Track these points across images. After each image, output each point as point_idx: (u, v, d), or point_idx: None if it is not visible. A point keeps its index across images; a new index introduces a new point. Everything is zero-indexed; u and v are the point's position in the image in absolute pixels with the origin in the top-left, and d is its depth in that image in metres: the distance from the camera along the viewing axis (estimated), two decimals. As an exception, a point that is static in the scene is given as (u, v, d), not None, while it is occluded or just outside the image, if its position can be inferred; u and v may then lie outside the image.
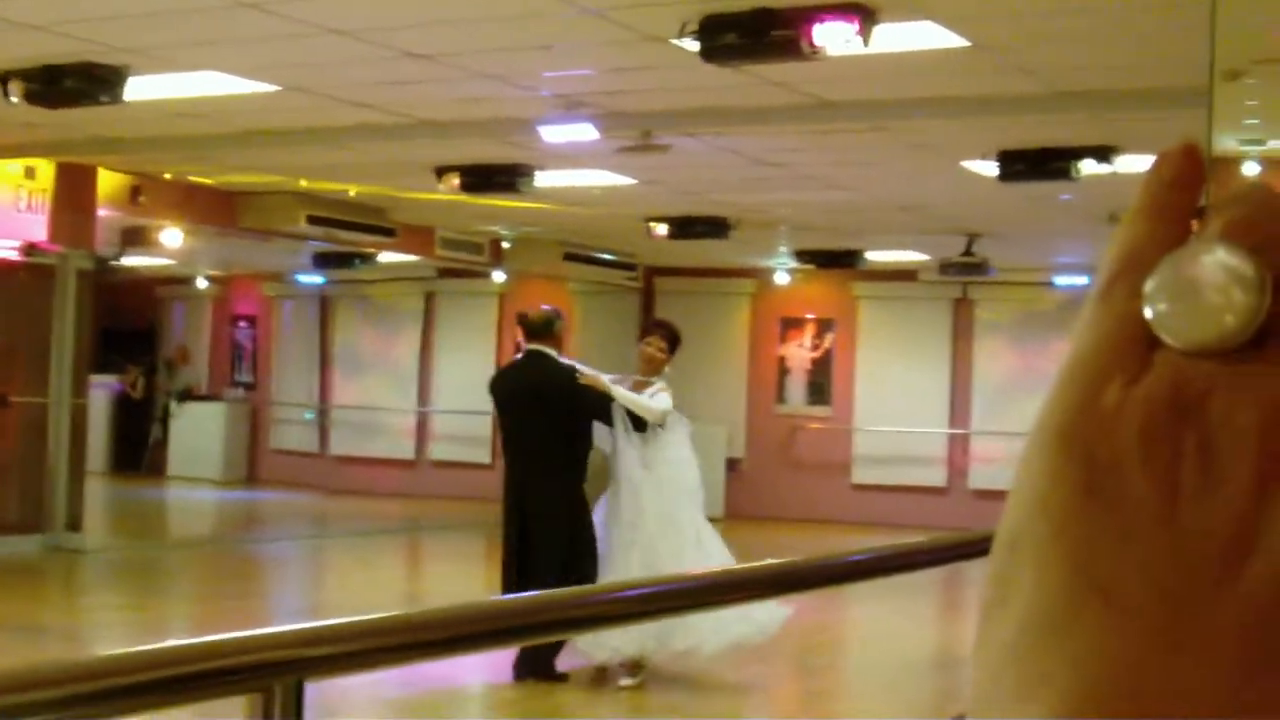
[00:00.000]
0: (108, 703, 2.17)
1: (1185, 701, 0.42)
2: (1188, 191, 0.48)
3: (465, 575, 16.83)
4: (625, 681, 10.34)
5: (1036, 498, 0.46)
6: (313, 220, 18.42)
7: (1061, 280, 23.20)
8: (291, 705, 2.21)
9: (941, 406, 23.77)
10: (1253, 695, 0.42)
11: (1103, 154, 13.18)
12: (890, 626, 12.97)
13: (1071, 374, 0.47)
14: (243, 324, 28.44)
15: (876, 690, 11.10)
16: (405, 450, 26.33)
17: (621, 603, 2.60)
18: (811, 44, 9.30)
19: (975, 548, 4.90)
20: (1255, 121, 9.81)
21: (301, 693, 2.22)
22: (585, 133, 13.15)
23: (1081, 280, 23.12)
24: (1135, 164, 13.66)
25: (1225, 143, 9.61)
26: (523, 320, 11.06)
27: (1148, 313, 0.46)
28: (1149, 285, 0.46)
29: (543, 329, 10.99)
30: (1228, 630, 0.42)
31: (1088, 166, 13.32)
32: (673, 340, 11.32)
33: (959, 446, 23.62)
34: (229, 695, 2.32)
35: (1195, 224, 0.48)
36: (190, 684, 2.24)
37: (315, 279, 26.44)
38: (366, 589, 15.26)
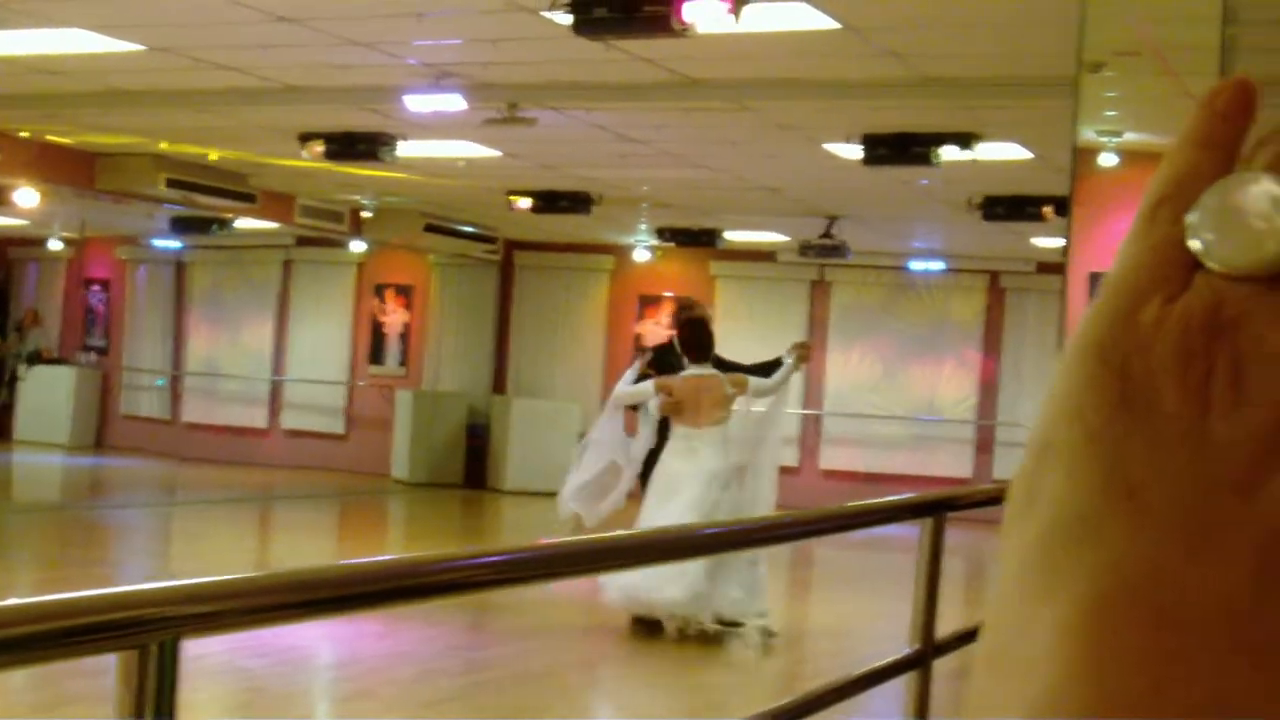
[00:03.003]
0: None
1: (1198, 609, 0.43)
2: (1237, 124, 0.50)
3: (315, 545, 16.73)
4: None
5: (1072, 405, 0.48)
6: (172, 184, 18.17)
7: (917, 265, 23.46)
8: (168, 664, 2.18)
9: (796, 385, 23.92)
10: (1259, 611, 0.43)
11: (964, 140, 13.33)
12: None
13: (1113, 290, 0.49)
14: (96, 287, 28.03)
15: (723, 666, 11.16)
16: (258, 419, 26.12)
17: (489, 568, 2.59)
18: (682, 20, 9.32)
19: (831, 524, 4.96)
20: (1114, 113, 9.95)
21: (178, 652, 2.19)
22: (452, 103, 13.10)
23: (937, 265, 23.40)
24: (995, 151, 13.83)
25: (1085, 134, 9.73)
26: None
27: (1191, 236, 0.47)
28: (1194, 210, 0.48)
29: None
30: (1245, 543, 0.44)
31: (949, 153, 13.46)
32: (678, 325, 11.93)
33: (811, 427, 23.79)
34: (100, 653, 2.27)
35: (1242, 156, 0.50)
36: (60, 641, 2.19)
37: (172, 243, 26.12)
38: (216, 556, 15.11)
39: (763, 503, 11.59)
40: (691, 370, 11.61)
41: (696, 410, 11.50)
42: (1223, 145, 0.49)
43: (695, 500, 11.09)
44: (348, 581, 2.20)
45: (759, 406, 12.17)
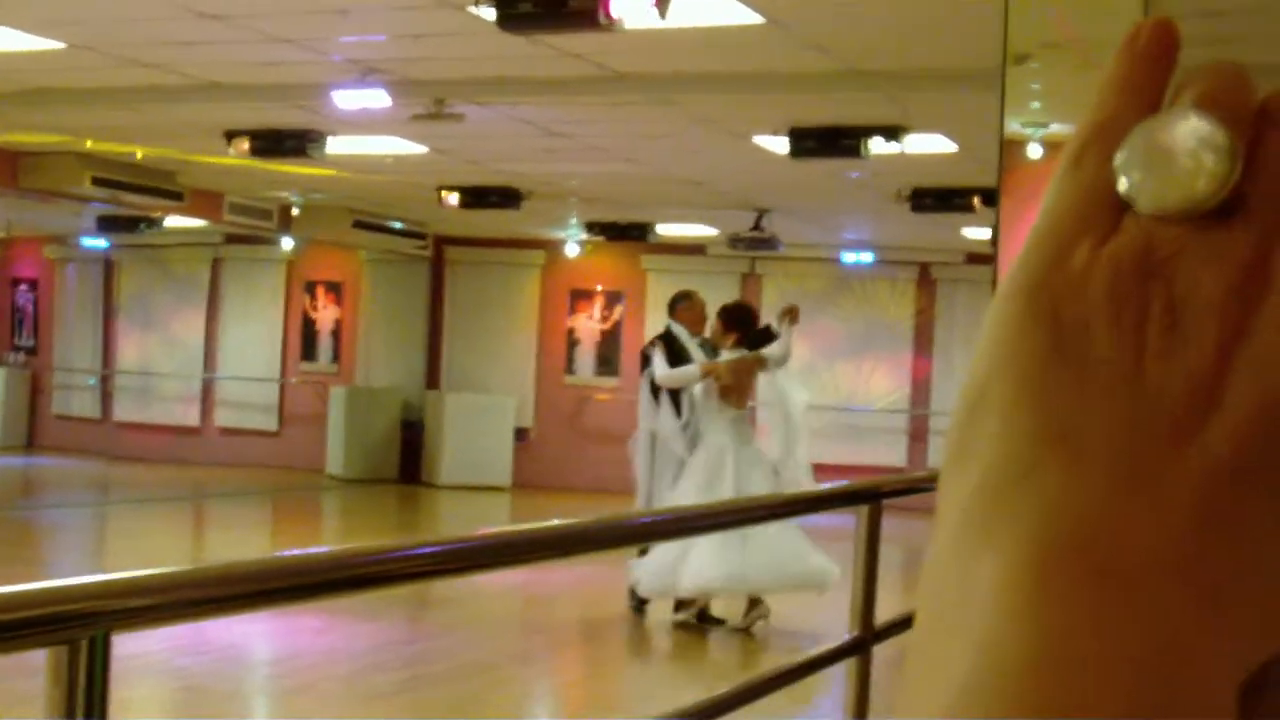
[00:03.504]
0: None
1: (1140, 558, 0.43)
2: (1159, 65, 0.49)
3: (250, 542, 16.67)
4: (680, 616, 11.70)
5: (1004, 353, 0.47)
6: (98, 182, 18.05)
7: (848, 257, 23.56)
8: (99, 660, 2.18)
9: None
10: (1202, 553, 0.43)
11: (892, 133, 13.39)
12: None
13: (1041, 235, 0.48)
14: (23, 287, 27.81)
15: (659, 658, 11.21)
16: (190, 417, 26.00)
17: (419, 559, 2.61)
18: (609, 15, 9.33)
19: (767, 512, 5.00)
20: (1038, 105, 10.03)
21: (108, 646, 2.20)
22: (378, 99, 13.07)
23: (867, 257, 23.50)
24: (923, 144, 13.91)
25: (1011, 126, 9.81)
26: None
27: (1119, 178, 0.47)
28: (1121, 151, 0.47)
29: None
30: (1183, 489, 0.44)
31: (877, 145, 13.52)
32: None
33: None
34: (29, 649, 2.26)
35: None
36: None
37: (99, 242, 25.94)
38: (149, 554, 15.03)
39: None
40: (729, 353, 11.94)
41: (741, 391, 12.02)
42: (1146, 88, 0.49)
43: (764, 479, 11.54)
44: (280, 574, 2.21)
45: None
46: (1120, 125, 0.48)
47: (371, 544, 2.41)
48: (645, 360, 12.17)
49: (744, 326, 12.07)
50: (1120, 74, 0.50)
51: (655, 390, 11.90)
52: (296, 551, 2.22)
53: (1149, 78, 0.49)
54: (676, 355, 11.96)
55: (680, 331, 12.14)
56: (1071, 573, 0.43)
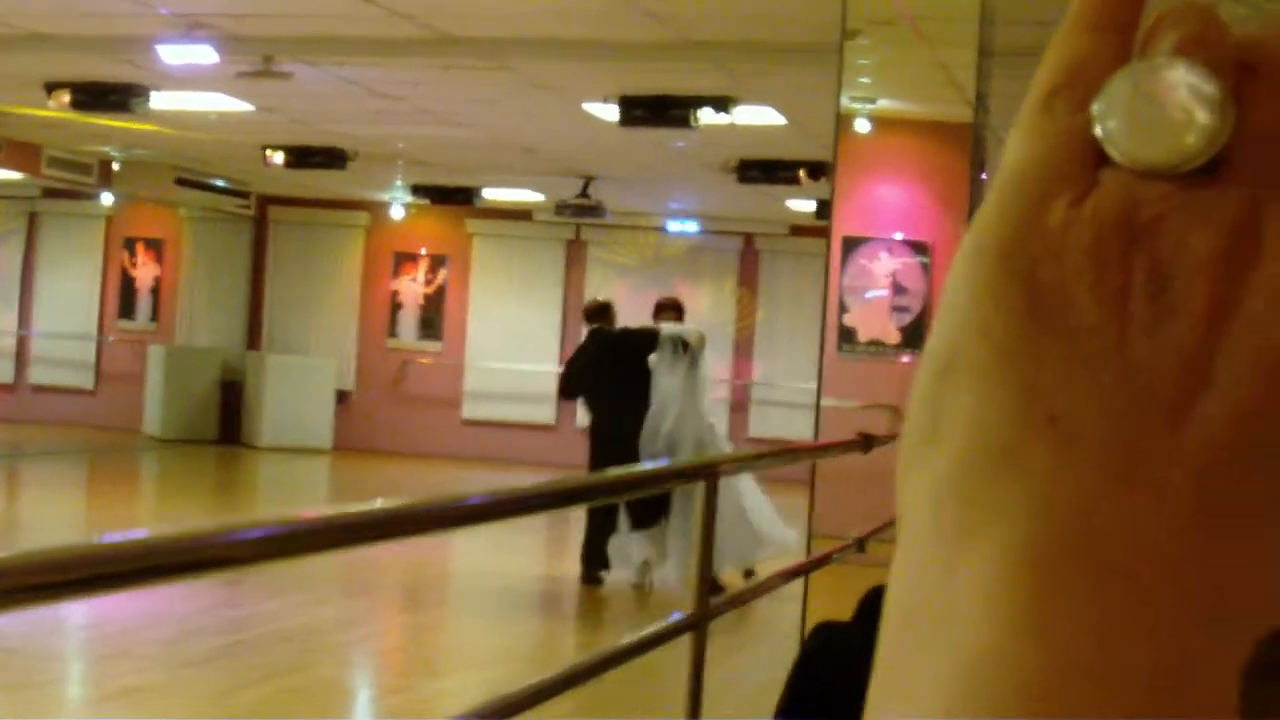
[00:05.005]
0: None
1: (1140, 555, 0.40)
2: (1133, 2, 0.45)
3: (64, 503, 16.40)
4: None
5: (977, 318, 0.43)
6: (-89, 132, 17.64)
7: (674, 226, 23.65)
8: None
9: (552, 345, 24.01)
10: (1205, 545, 0.40)
11: (722, 104, 13.44)
12: (497, 562, 13.08)
13: (1011, 189, 0.44)
14: None
15: (483, 625, 11.20)
16: (3, 374, 25.48)
17: (239, 546, 2.55)
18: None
19: (605, 490, 4.98)
20: (868, 80, 10.13)
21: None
22: (205, 55, 12.88)
23: (692, 227, 23.61)
24: (751, 115, 13.98)
25: (841, 100, 9.89)
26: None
27: (1097, 129, 0.43)
28: (1100, 100, 0.43)
29: (598, 314, 13.20)
30: (1181, 478, 0.40)
31: (706, 115, 13.57)
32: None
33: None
34: None
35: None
36: None
37: (-91, 195, 25.32)
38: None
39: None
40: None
41: None
42: (1119, 27, 0.45)
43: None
44: (85, 563, 2.13)
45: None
46: (1095, 68, 0.44)
47: (189, 530, 2.34)
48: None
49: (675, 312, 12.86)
50: (1089, 12, 0.45)
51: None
52: (109, 538, 2.14)
53: (1122, 13, 0.45)
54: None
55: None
56: (1070, 575, 0.40)
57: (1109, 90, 0.43)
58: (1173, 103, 0.42)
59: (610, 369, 12.59)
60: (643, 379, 12.36)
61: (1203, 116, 0.42)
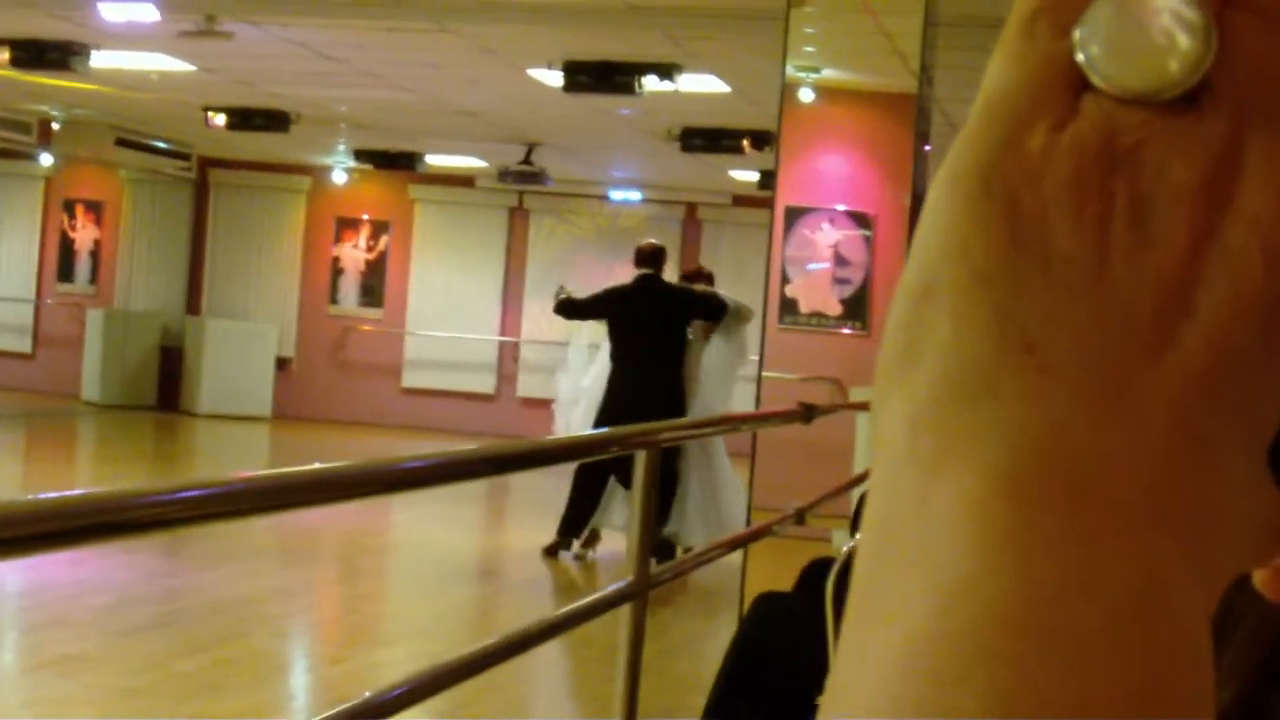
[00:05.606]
0: None
1: (1116, 481, 0.40)
2: None
3: (3, 468, 16.29)
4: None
5: (955, 242, 0.43)
6: None
7: (616, 194, 23.61)
8: None
9: (494, 314, 23.96)
10: (1181, 475, 0.40)
11: (666, 71, 13.40)
12: (436, 532, 13.05)
13: (991, 113, 0.43)
14: None
15: (422, 595, 11.17)
16: (-62, 337, 25.28)
17: (178, 504, 2.51)
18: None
19: (540, 457, 4.95)
20: (812, 49, 10.12)
21: None
22: (146, 13, 12.75)
23: (634, 195, 23.58)
24: (696, 84, 13.95)
25: (786, 69, 9.88)
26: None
27: (1079, 54, 0.43)
28: (1083, 24, 0.43)
29: (651, 259, 12.47)
30: (1158, 401, 0.40)
31: (651, 83, 13.53)
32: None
33: (509, 354, 23.85)
34: None
35: None
36: None
37: None
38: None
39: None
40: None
41: None
42: None
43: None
44: (19, 520, 2.09)
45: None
46: None
47: (130, 488, 2.30)
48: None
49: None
50: None
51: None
52: (46, 495, 2.10)
53: None
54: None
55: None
56: (1047, 500, 0.40)
57: (1091, 15, 0.43)
58: (1155, 27, 0.42)
59: (646, 319, 12.13)
60: (678, 339, 12.12)
61: (1185, 42, 0.42)
